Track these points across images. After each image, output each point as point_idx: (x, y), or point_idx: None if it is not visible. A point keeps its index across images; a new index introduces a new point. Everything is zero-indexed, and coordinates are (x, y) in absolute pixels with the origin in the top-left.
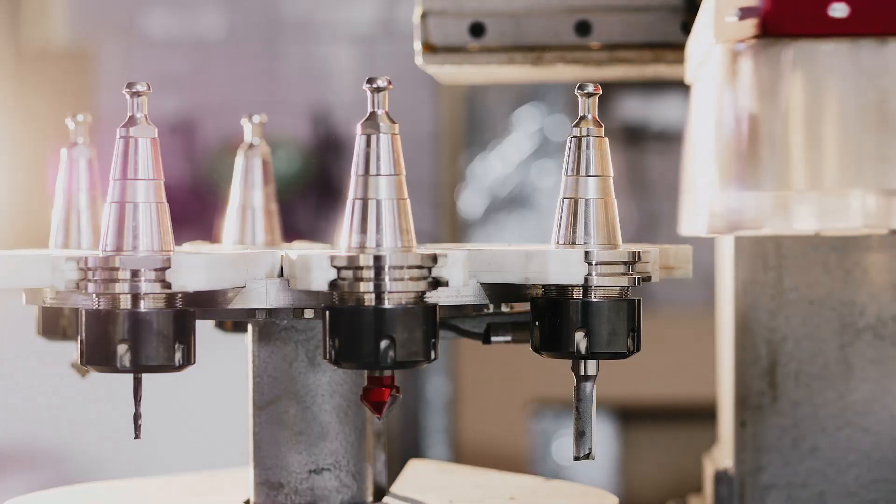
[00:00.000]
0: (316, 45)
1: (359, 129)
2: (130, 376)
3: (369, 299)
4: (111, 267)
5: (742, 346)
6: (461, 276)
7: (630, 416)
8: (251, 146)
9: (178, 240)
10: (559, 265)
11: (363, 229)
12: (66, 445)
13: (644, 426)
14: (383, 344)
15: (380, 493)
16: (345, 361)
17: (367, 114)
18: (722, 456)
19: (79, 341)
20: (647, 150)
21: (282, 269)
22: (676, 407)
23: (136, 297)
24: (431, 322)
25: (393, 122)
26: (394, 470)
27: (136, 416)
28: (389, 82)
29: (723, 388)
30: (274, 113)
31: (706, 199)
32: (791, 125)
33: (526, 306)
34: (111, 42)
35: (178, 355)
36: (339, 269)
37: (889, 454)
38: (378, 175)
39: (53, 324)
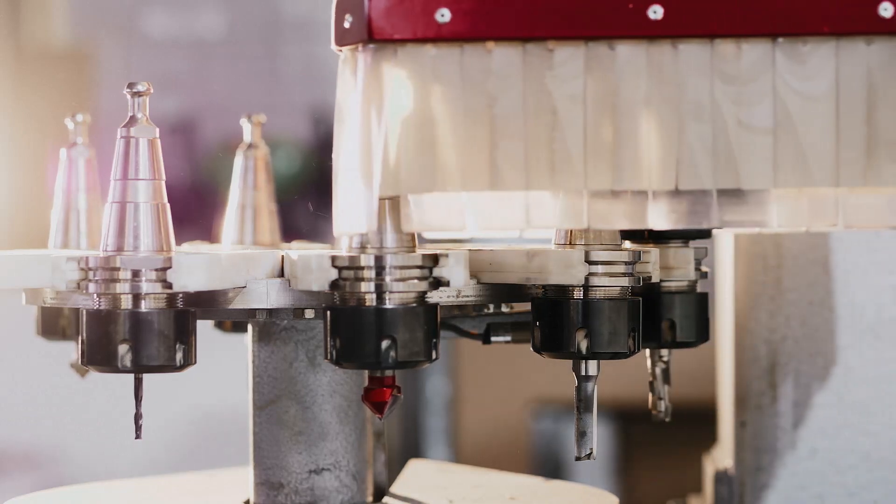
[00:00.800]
0: (316, 45)
1: None
2: (131, 376)
3: (370, 299)
4: (112, 267)
5: (742, 346)
6: (462, 277)
7: (630, 416)
8: (250, 146)
9: (179, 240)
10: (560, 265)
11: None
12: (66, 445)
13: (644, 426)
14: (384, 344)
15: (380, 493)
16: (346, 361)
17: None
18: (722, 456)
19: (79, 341)
20: None
21: (282, 269)
22: (676, 407)
23: (136, 298)
24: (433, 322)
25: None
26: (394, 470)
27: (137, 417)
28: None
29: (723, 388)
30: (274, 113)
31: (336, 199)
32: (401, 129)
33: (526, 306)
34: (111, 42)
35: (178, 355)
36: (340, 269)
37: (889, 455)
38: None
39: (53, 324)
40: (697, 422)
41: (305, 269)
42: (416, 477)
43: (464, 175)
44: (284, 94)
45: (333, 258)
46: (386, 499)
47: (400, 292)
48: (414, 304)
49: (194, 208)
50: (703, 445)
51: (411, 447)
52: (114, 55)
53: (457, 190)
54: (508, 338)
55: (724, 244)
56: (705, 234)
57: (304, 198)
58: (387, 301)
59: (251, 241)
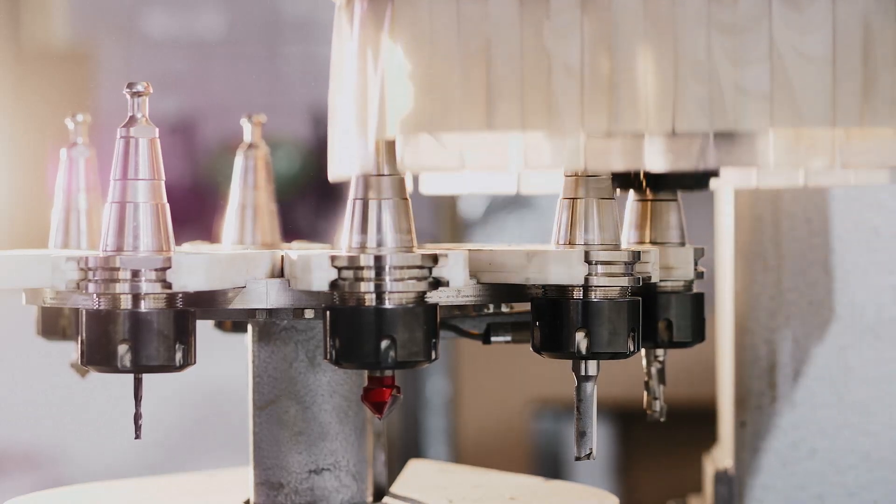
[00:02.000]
0: (316, 45)
1: None
2: (131, 376)
3: (370, 299)
4: (111, 267)
5: (742, 346)
6: (462, 277)
7: (630, 416)
8: (250, 146)
9: (179, 240)
10: (560, 265)
11: (363, 229)
12: (66, 445)
13: (644, 426)
14: (384, 344)
15: (380, 493)
16: (345, 362)
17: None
18: (722, 456)
19: (79, 341)
20: None
21: (282, 268)
22: (676, 407)
23: (136, 297)
24: (432, 322)
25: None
26: (394, 470)
27: (137, 417)
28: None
29: (723, 388)
30: (274, 113)
31: (331, 144)
32: (397, 72)
33: (526, 306)
34: (111, 42)
35: (178, 355)
36: (339, 269)
37: (889, 455)
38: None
39: (53, 324)
40: (697, 422)
41: (305, 269)
42: (416, 477)
43: (461, 116)
44: (284, 94)
45: (333, 258)
46: (386, 499)
47: (399, 292)
48: (413, 304)
49: (194, 208)
50: (703, 445)
51: (411, 447)
52: (114, 55)
53: (453, 130)
54: (508, 338)
55: (725, 243)
56: (703, 184)
57: (304, 198)
58: (386, 301)
59: (251, 241)
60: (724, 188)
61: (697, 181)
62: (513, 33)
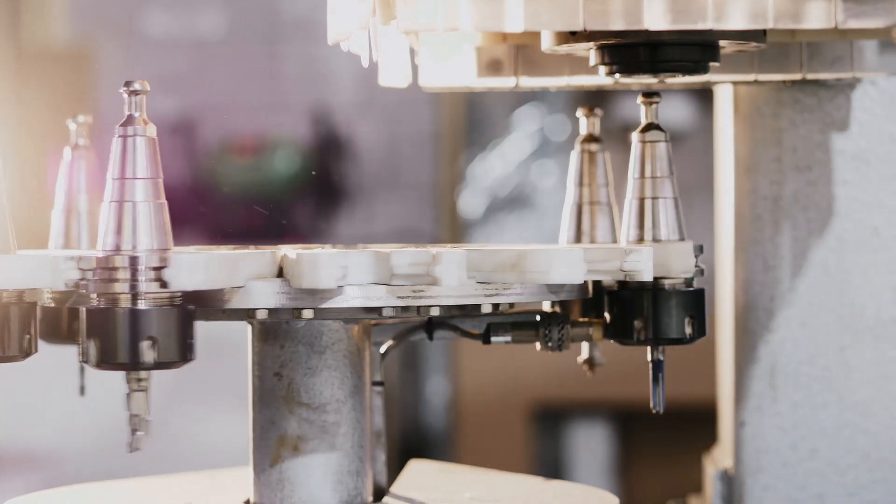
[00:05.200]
0: (316, 45)
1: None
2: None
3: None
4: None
5: (742, 346)
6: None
7: (630, 416)
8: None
9: (179, 240)
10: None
11: None
12: (66, 445)
13: (644, 426)
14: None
15: (380, 493)
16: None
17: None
18: (722, 456)
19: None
20: None
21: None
22: (676, 407)
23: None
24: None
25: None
26: (394, 470)
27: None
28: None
29: (723, 388)
30: (274, 113)
31: (330, 3)
32: None
33: (526, 306)
34: (111, 42)
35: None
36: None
37: (889, 455)
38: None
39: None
40: (697, 422)
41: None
42: (416, 477)
43: None
44: (284, 94)
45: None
46: (386, 499)
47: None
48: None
49: (194, 208)
50: (703, 445)
51: (411, 447)
52: (114, 55)
53: None
54: (508, 338)
55: (725, 243)
56: (703, 68)
57: (304, 198)
58: None
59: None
60: (724, 155)
61: (696, 63)
62: None
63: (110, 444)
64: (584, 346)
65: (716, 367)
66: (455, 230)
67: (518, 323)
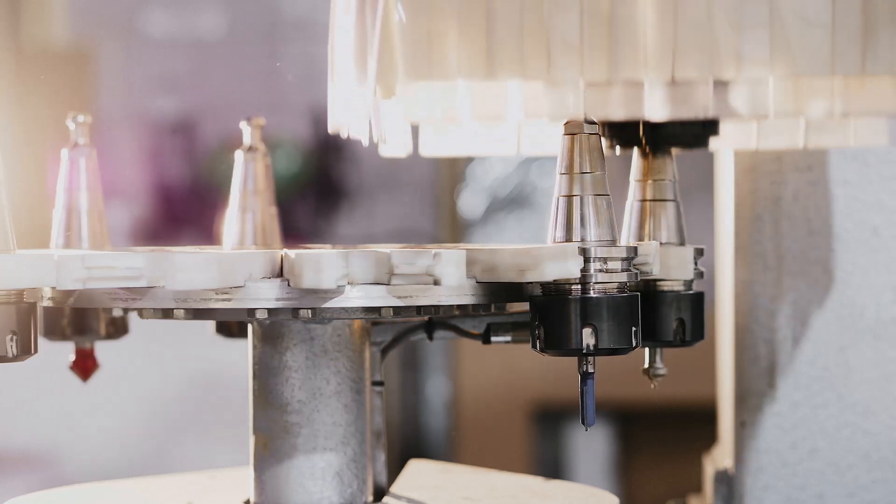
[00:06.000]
0: (316, 45)
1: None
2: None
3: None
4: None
5: (742, 346)
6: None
7: (630, 416)
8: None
9: (179, 240)
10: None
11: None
12: (66, 445)
13: (644, 426)
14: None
15: (380, 493)
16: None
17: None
18: (722, 456)
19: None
20: None
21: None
22: (676, 407)
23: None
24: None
25: None
26: (394, 470)
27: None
28: None
29: (723, 388)
30: (274, 113)
31: (331, 96)
32: (397, 20)
33: (526, 306)
34: (111, 42)
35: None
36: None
37: (889, 455)
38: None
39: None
40: (697, 422)
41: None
42: (416, 477)
43: (460, 63)
44: (284, 94)
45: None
46: (386, 499)
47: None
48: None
49: (194, 208)
50: (703, 445)
51: (411, 447)
52: (114, 55)
53: (453, 78)
54: (508, 338)
55: (725, 243)
56: (702, 142)
57: (304, 198)
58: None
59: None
60: (723, 153)
61: (697, 138)
62: None
63: (110, 444)
64: (646, 353)
65: (716, 367)
66: (455, 230)
67: (518, 323)
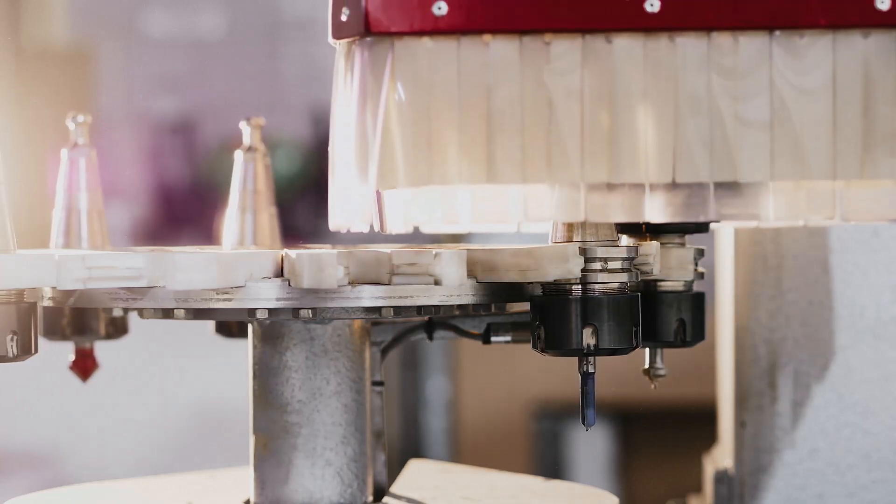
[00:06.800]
0: (316, 45)
1: None
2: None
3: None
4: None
5: (742, 346)
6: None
7: (630, 416)
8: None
9: (179, 240)
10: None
11: None
12: (66, 445)
13: (644, 426)
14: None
15: (380, 493)
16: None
17: None
18: (722, 456)
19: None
20: None
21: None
22: (676, 407)
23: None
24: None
25: None
26: (394, 470)
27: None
28: None
29: (723, 388)
30: (274, 113)
31: (332, 193)
32: (397, 123)
33: (526, 306)
34: (111, 42)
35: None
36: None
37: (889, 455)
38: None
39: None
40: (697, 422)
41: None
42: (416, 477)
43: (460, 168)
44: (284, 94)
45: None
46: (386, 499)
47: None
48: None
49: (194, 208)
50: (703, 445)
51: (411, 447)
52: (114, 55)
53: (454, 183)
54: (508, 338)
55: (725, 244)
56: (703, 228)
57: (304, 198)
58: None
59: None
60: (723, 228)
61: (697, 226)
62: (513, 82)
63: (110, 444)
64: (646, 353)
65: (716, 367)
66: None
67: (518, 323)
